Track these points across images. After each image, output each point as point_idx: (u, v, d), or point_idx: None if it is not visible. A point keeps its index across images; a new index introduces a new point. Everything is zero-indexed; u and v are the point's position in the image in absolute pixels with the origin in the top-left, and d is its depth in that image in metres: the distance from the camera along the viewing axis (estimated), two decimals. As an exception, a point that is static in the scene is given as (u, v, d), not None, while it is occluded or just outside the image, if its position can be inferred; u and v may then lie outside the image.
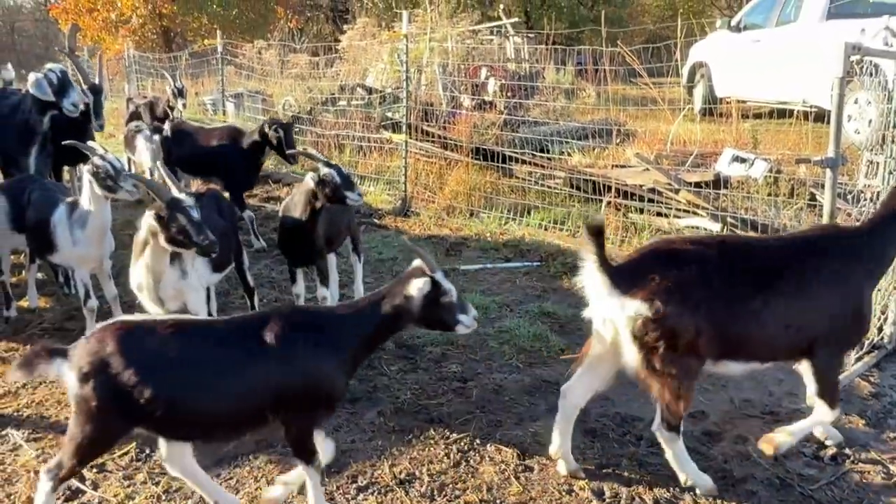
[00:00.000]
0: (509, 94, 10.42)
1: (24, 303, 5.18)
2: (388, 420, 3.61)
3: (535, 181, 7.53)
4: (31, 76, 5.44)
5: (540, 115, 9.69)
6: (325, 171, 4.12)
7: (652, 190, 6.48)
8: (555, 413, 3.17)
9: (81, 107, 5.58)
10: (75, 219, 4.14)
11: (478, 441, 3.41)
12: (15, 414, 3.72)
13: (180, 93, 8.91)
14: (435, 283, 2.69)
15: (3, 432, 3.53)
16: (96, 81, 6.35)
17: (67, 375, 2.54)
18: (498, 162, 7.79)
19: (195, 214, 3.36)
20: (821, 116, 7.69)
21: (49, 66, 5.58)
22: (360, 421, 3.60)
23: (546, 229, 6.88)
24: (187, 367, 2.59)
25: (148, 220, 3.39)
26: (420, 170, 8.30)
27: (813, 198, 5.87)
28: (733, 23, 11.82)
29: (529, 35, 17.93)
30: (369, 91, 11.16)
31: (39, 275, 5.77)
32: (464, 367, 4.17)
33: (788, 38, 10.02)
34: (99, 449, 2.70)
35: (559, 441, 3.12)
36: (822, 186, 4.27)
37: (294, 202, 4.38)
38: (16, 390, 3.94)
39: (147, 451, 3.34)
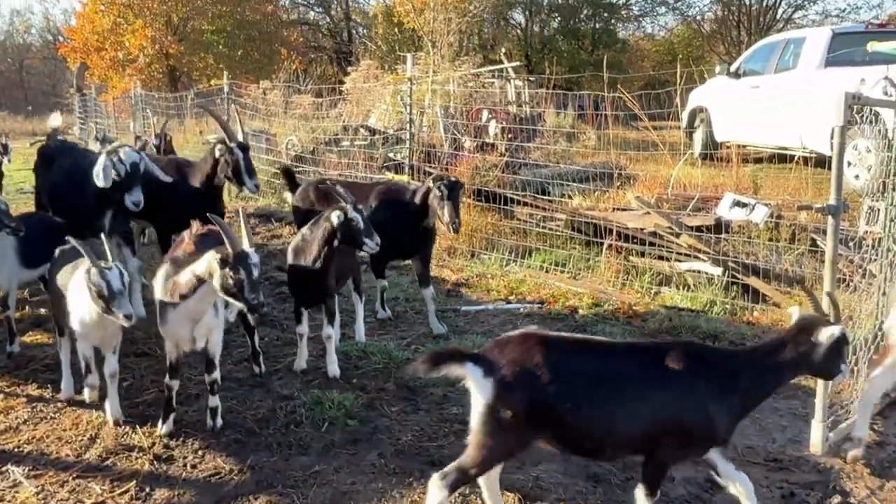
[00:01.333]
0: (510, 136, 10.54)
1: (27, 338, 5.18)
2: (388, 462, 3.58)
3: (536, 223, 7.58)
4: (101, 161, 4.91)
5: (541, 158, 9.79)
6: (352, 213, 4.13)
7: (653, 233, 6.52)
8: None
9: (141, 206, 5.10)
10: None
11: (479, 485, 3.37)
12: (15, 450, 3.69)
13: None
14: None
15: (4, 468, 3.50)
16: (240, 138, 5.63)
17: (480, 382, 2.58)
18: (499, 204, 7.85)
19: (256, 273, 3.38)
20: (821, 162, 7.79)
21: (122, 151, 5.04)
22: (360, 463, 3.57)
23: (547, 271, 6.90)
24: (606, 385, 2.66)
25: (211, 261, 3.38)
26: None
27: (814, 243, 5.91)
28: (732, 69, 12.03)
29: (530, 79, 18.23)
30: (372, 132, 11.30)
31: (42, 310, 5.77)
32: (465, 409, 4.12)
33: (787, 84, 10.19)
34: (502, 458, 2.77)
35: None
36: (824, 232, 4.31)
37: (307, 241, 4.38)
38: (17, 426, 3.91)
39: (147, 490, 3.31)
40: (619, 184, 8.47)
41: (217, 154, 5.52)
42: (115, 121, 20.26)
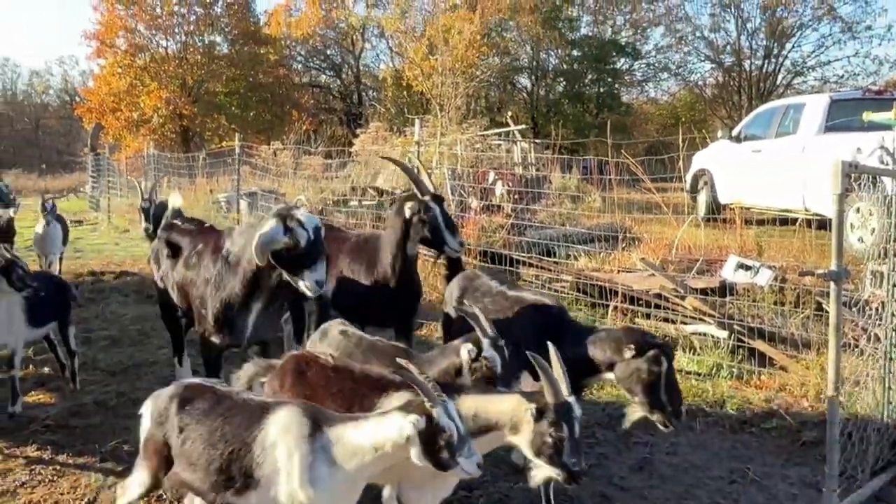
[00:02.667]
0: (516, 197, 10.67)
1: (29, 398, 5.16)
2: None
3: (542, 284, 7.59)
4: (271, 226, 3.58)
5: (546, 219, 9.88)
6: (488, 352, 3.21)
7: (658, 295, 6.52)
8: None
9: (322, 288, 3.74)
10: None
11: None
12: (11, 514, 3.65)
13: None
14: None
15: (-2, 534, 3.45)
16: (432, 189, 4.65)
17: None
18: (505, 265, 7.89)
19: (578, 429, 2.64)
20: (824, 224, 7.83)
21: (300, 213, 3.63)
22: None
23: (553, 332, 6.86)
24: None
25: (518, 410, 2.65)
26: (428, 271, 8.39)
27: (820, 307, 5.89)
28: (734, 133, 12.24)
29: (536, 141, 18.54)
30: (380, 193, 11.45)
31: (46, 369, 5.77)
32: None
33: (788, 149, 10.35)
34: None
35: None
36: (828, 295, 4.31)
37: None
38: (14, 489, 3.87)
39: None
40: (624, 245, 8.52)
41: (408, 213, 4.47)
42: (126, 180, 20.58)
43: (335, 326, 3.78)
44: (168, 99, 28.33)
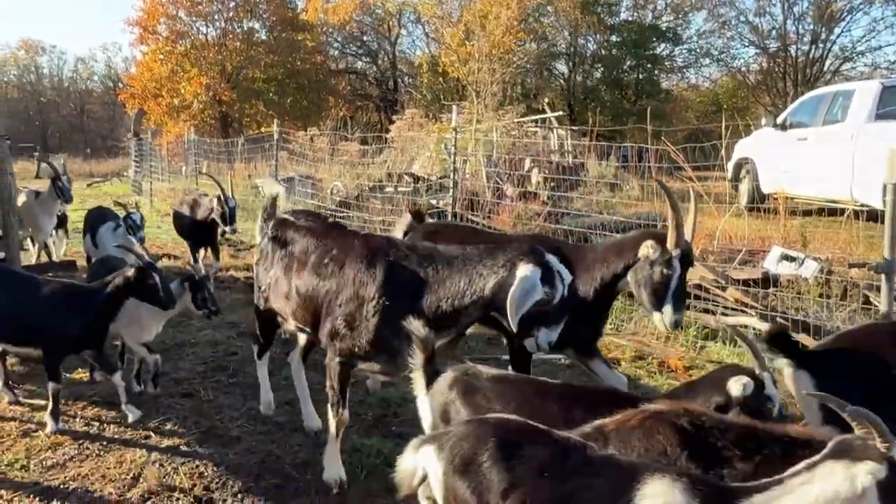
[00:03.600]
0: (553, 185, 10.59)
1: (76, 375, 5.30)
2: (427, 513, 3.52)
3: (578, 272, 7.52)
4: (528, 269, 2.93)
5: (583, 207, 9.79)
6: (771, 391, 2.80)
7: (698, 286, 6.42)
8: None
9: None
10: None
11: None
12: (61, 487, 3.74)
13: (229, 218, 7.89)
14: None
15: (48, 506, 3.56)
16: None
17: None
18: (542, 252, 7.83)
19: None
20: (872, 215, 7.62)
21: (554, 260, 3.02)
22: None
23: (589, 321, 6.82)
24: None
25: None
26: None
27: (867, 300, 5.75)
28: (779, 121, 11.97)
29: (573, 128, 18.37)
30: (416, 179, 11.46)
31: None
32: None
33: (836, 137, 10.08)
34: None
35: None
36: (877, 289, 4.20)
37: None
38: (63, 462, 3.98)
39: None
40: (663, 235, 8.39)
41: (645, 255, 3.58)
42: (168, 164, 20.92)
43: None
44: (208, 85, 28.71)
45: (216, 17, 30.51)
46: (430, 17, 32.49)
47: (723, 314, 6.22)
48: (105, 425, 4.46)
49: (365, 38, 38.25)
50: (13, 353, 5.01)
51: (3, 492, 3.67)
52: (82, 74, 56.00)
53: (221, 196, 7.70)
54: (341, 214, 10.57)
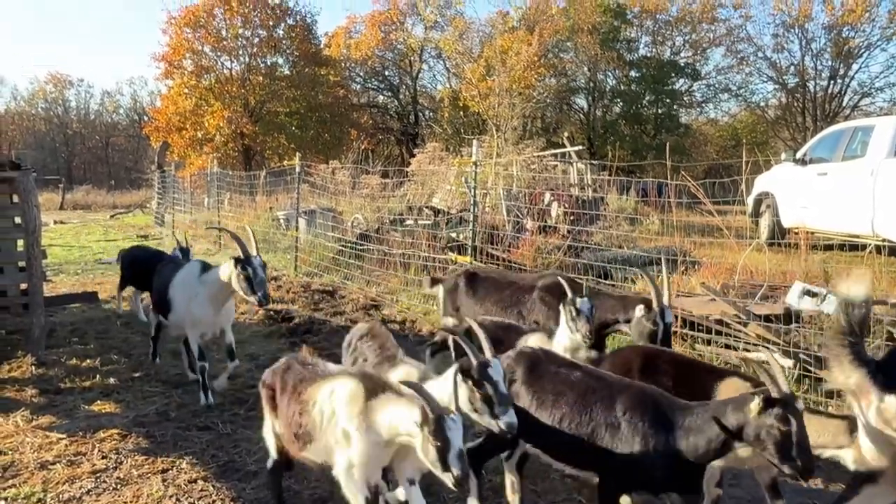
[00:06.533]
0: (572, 218, 10.59)
1: (94, 407, 5.32)
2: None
3: (597, 307, 7.47)
4: None
5: (603, 241, 9.77)
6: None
7: (719, 321, 6.35)
8: None
9: None
10: None
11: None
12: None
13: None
14: None
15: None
16: None
17: None
18: (561, 286, 7.81)
19: None
20: (895, 250, 7.52)
21: None
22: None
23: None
24: None
25: None
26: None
27: (891, 336, 5.65)
28: (798, 155, 11.92)
29: (593, 162, 18.41)
30: (436, 212, 11.51)
31: (111, 379, 5.95)
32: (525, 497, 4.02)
33: (856, 172, 10.01)
34: None
35: None
36: (902, 327, 4.12)
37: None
38: (80, 496, 3.98)
39: None
40: (683, 269, 8.34)
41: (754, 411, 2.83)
42: (190, 195, 21.21)
43: None
44: (231, 118, 29.16)
45: (240, 52, 31.10)
46: (451, 52, 32.93)
47: (745, 350, 6.13)
48: (123, 457, 4.47)
49: (387, 73, 38.80)
50: None
51: (20, 524, 3.68)
52: (108, 108, 57.30)
53: (241, 255, 5.18)
54: (361, 247, 10.63)
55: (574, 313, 4.34)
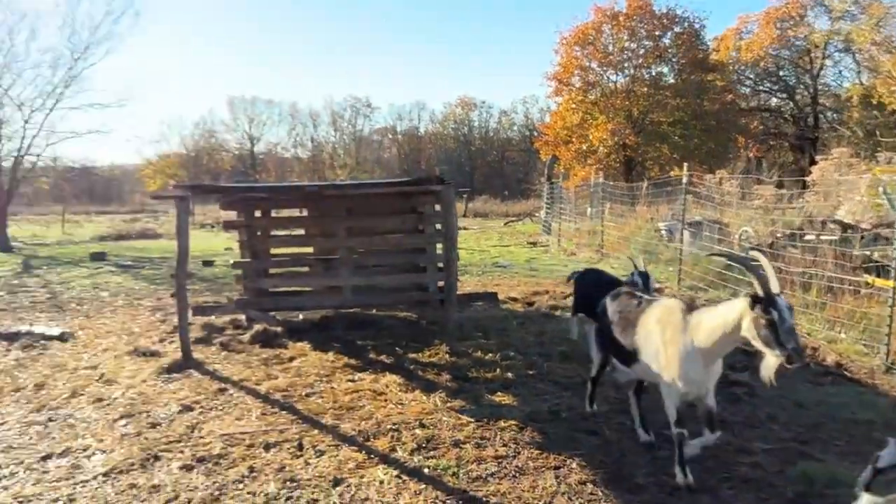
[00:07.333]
0: None
1: (496, 397, 5.87)
2: None
3: None
4: None
5: None
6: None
7: None
8: None
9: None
10: None
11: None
12: (483, 498, 4.16)
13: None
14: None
15: (474, 514, 3.97)
16: None
17: None
18: None
19: None
20: None
21: None
22: None
23: None
24: None
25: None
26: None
27: None
28: None
29: None
30: (844, 227, 10.16)
31: (508, 374, 6.50)
32: None
33: None
34: None
35: None
36: None
37: None
38: (485, 477, 4.42)
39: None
40: None
41: None
42: (574, 205, 22.20)
43: None
44: (614, 130, 29.72)
45: (626, 65, 31.51)
46: (864, 44, 28.81)
47: None
48: (520, 448, 4.85)
49: (781, 73, 35.55)
50: None
51: (438, 492, 4.22)
52: (504, 125, 63.75)
53: (761, 292, 3.82)
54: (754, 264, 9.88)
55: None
